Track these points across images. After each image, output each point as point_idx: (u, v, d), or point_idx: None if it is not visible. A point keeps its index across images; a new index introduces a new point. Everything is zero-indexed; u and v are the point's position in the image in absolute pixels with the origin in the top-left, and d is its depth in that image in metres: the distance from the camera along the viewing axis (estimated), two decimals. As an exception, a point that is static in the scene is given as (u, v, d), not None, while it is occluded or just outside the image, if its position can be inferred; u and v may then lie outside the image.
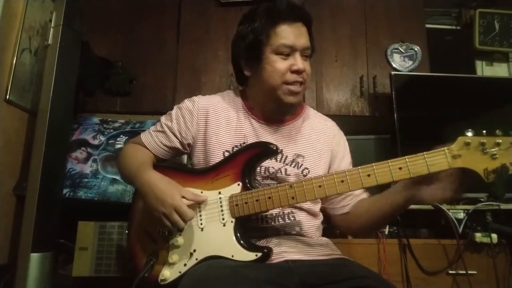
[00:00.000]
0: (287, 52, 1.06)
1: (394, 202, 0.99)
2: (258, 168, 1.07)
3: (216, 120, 1.14)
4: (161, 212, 0.97)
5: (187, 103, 1.17)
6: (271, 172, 1.09)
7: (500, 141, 0.83)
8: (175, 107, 1.20)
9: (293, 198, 0.95)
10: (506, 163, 0.82)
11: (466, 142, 0.85)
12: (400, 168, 0.87)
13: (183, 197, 0.98)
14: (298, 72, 1.05)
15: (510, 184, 0.83)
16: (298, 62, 1.05)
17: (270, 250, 0.95)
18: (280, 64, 1.06)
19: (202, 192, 1.03)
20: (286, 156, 1.10)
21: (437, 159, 0.86)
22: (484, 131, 0.85)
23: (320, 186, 0.93)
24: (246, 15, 1.15)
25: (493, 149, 0.83)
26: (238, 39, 1.14)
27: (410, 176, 0.87)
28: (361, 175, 0.90)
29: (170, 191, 0.98)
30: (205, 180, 1.04)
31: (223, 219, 0.98)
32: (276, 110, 1.13)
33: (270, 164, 1.09)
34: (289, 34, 1.06)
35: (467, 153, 0.85)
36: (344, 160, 1.19)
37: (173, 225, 0.96)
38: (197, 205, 1.01)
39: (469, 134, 0.85)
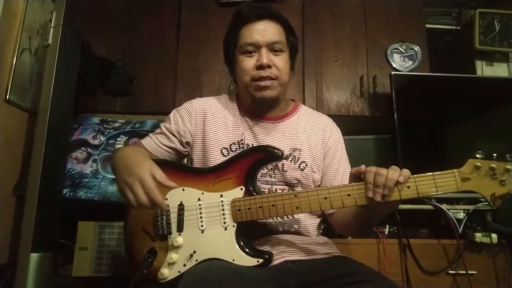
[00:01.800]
0: (251, 49, 1.09)
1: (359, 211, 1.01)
2: None
3: (213, 118, 1.16)
4: (125, 182, 0.93)
5: (185, 105, 1.21)
6: (269, 168, 1.10)
7: (510, 167, 0.83)
8: (173, 110, 1.23)
9: (297, 208, 0.94)
10: None
11: (476, 165, 0.85)
12: (408, 187, 0.87)
13: (153, 175, 0.93)
14: (261, 67, 1.07)
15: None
16: (262, 57, 1.07)
17: (271, 255, 0.95)
18: (246, 63, 1.10)
19: (203, 193, 1.02)
20: (283, 151, 1.11)
21: (446, 181, 0.86)
22: (495, 155, 0.85)
23: (325, 198, 0.92)
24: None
25: (502, 176, 0.84)
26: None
27: (417, 196, 0.87)
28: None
29: (138, 162, 0.96)
30: (206, 181, 1.03)
31: (224, 223, 0.98)
32: (257, 107, 1.15)
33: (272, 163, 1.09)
34: (251, 32, 1.10)
35: (477, 177, 0.85)
36: (336, 157, 1.19)
37: (135, 197, 0.91)
38: (166, 190, 0.98)
39: (479, 156, 0.85)
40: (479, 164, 0.84)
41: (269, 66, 1.07)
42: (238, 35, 1.12)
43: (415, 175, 0.87)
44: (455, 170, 0.86)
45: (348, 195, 0.90)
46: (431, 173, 0.86)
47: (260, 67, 1.07)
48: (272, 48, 1.09)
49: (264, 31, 1.09)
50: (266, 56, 1.07)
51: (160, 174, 0.94)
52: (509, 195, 0.82)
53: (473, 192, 0.85)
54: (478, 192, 0.85)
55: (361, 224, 1.05)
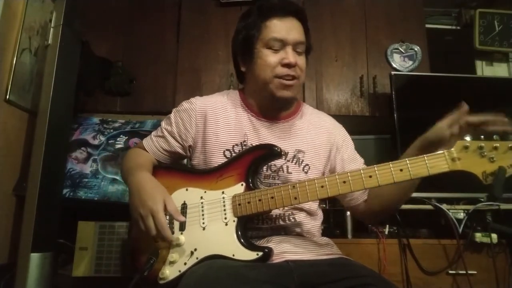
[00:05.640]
0: (278, 46, 1.07)
1: None
2: None
3: (214, 119, 1.14)
4: (139, 213, 0.97)
5: (185, 104, 1.18)
6: (273, 170, 1.10)
7: (498, 145, 0.86)
8: (173, 111, 1.20)
9: (295, 198, 0.95)
10: (503, 165, 0.85)
11: (465, 145, 0.87)
12: (401, 170, 0.89)
13: (166, 205, 0.97)
14: (289, 65, 1.05)
15: (508, 185, 0.85)
16: (289, 55, 1.05)
17: (270, 250, 0.95)
18: (271, 58, 1.07)
19: (205, 192, 1.03)
20: (287, 153, 1.11)
21: (437, 162, 0.88)
22: (482, 136, 0.88)
23: (322, 187, 0.93)
24: (243, 13, 1.17)
25: (491, 153, 0.86)
26: (234, 35, 1.17)
27: (410, 178, 0.89)
28: (363, 176, 0.91)
29: (154, 195, 0.98)
30: (209, 181, 1.04)
31: (225, 218, 0.99)
32: (271, 105, 1.13)
33: (272, 161, 1.09)
34: (280, 28, 1.07)
35: (466, 156, 0.87)
36: (348, 150, 1.19)
37: (146, 229, 0.96)
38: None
39: (468, 138, 0.88)
40: (468, 144, 0.87)
41: (294, 66, 1.06)
42: (263, 27, 1.08)
43: (406, 159, 0.89)
44: (445, 150, 0.88)
45: (344, 182, 0.92)
46: (422, 155, 0.89)
47: (287, 65, 1.05)
48: (296, 48, 1.08)
49: (292, 29, 1.07)
50: (292, 55, 1.06)
51: (171, 207, 0.98)
52: (499, 169, 0.85)
53: (465, 171, 0.86)
54: (469, 171, 0.86)
55: (393, 198, 1.07)
